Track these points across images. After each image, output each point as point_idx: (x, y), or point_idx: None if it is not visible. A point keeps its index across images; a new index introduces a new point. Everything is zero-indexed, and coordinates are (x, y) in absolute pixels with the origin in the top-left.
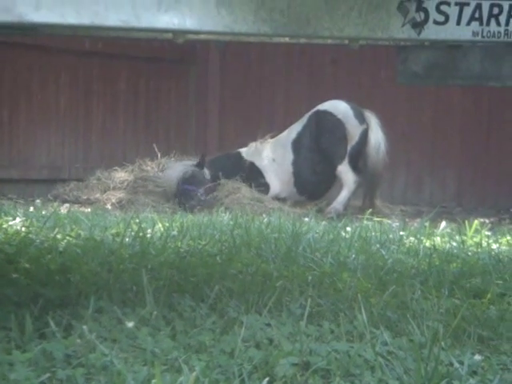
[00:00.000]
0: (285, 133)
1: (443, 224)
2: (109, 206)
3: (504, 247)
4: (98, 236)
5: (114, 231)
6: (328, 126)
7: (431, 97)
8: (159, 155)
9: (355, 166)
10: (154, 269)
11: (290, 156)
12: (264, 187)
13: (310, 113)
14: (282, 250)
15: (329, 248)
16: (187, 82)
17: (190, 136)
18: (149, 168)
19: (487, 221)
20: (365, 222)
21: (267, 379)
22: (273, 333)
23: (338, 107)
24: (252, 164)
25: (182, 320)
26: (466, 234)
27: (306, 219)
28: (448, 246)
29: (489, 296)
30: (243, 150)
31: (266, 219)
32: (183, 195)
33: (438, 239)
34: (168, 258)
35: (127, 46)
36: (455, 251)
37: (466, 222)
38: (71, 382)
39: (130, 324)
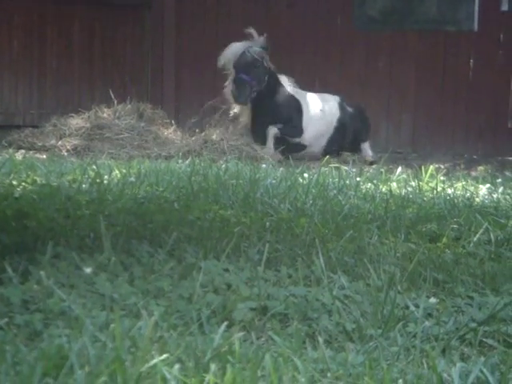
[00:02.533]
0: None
1: (399, 169)
2: (64, 153)
3: (459, 192)
4: (55, 182)
5: (70, 177)
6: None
7: (387, 42)
8: (115, 102)
9: None
10: (112, 215)
11: (337, 113)
12: (296, 131)
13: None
14: (239, 197)
15: (286, 194)
16: (143, 27)
17: (145, 82)
18: (105, 115)
19: (442, 166)
20: (322, 168)
21: (226, 323)
22: (231, 278)
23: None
24: (296, 100)
25: (140, 266)
26: (421, 180)
27: (264, 166)
28: (404, 191)
29: (444, 240)
30: (286, 82)
31: (223, 165)
32: (236, 84)
33: (394, 185)
34: (125, 204)
35: None
36: (411, 196)
37: (422, 167)
38: (29, 327)
39: (88, 270)
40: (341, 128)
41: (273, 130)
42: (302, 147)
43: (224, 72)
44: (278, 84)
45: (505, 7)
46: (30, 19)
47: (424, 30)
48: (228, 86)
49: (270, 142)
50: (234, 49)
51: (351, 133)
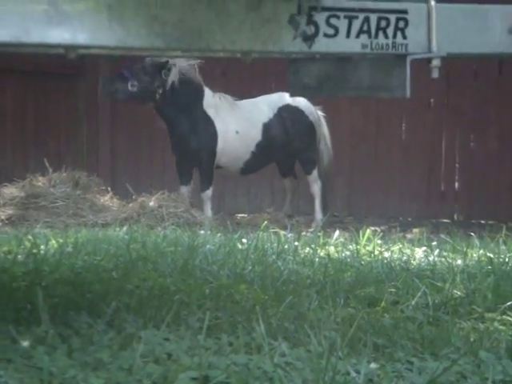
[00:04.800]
0: (251, 109)
1: (336, 233)
2: None
3: (396, 255)
4: None
5: (5, 248)
6: (303, 128)
7: (320, 108)
8: (50, 170)
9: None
10: (49, 286)
11: (257, 137)
12: (210, 140)
13: (277, 103)
14: (178, 264)
15: (225, 260)
16: (77, 95)
17: (81, 150)
18: (40, 184)
19: (378, 229)
20: (260, 233)
21: None
22: (171, 347)
23: (308, 106)
24: (210, 121)
25: (79, 337)
26: (358, 243)
27: (202, 232)
28: (342, 255)
29: (383, 304)
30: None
31: (162, 232)
32: (115, 77)
33: (332, 248)
34: (63, 274)
35: (14, 59)
36: (349, 260)
37: (359, 230)
38: None
39: (25, 343)
40: (262, 153)
41: (207, 195)
42: (219, 168)
43: None
44: (196, 99)
45: (435, 75)
46: None
47: (357, 97)
48: None
49: (208, 208)
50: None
51: (286, 157)
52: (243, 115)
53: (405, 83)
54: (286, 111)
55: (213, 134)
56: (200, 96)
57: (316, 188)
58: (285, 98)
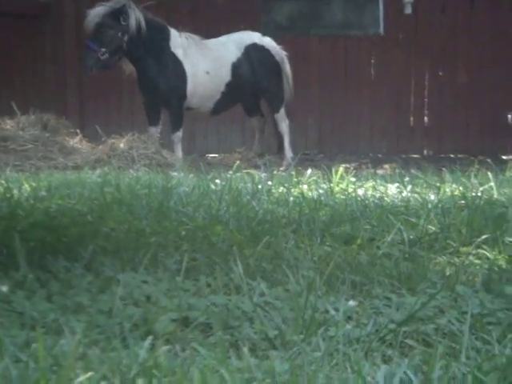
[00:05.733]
0: (219, 49)
1: (309, 171)
2: None
3: (369, 192)
4: None
5: None
6: (270, 67)
7: (290, 46)
8: (18, 113)
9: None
10: (25, 230)
11: (227, 77)
12: (179, 81)
13: (244, 42)
14: (153, 206)
15: (200, 202)
16: (43, 38)
17: (48, 93)
18: (8, 127)
19: (349, 166)
20: (233, 173)
21: (151, 337)
22: (150, 290)
23: (273, 45)
24: (178, 62)
25: (58, 281)
26: (331, 181)
27: (175, 173)
28: (316, 193)
29: (359, 242)
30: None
31: (134, 174)
32: (84, 52)
33: (305, 187)
34: (38, 218)
35: None
36: (323, 198)
37: (331, 168)
38: None
39: (4, 288)
40: (232, 93)
41: (177, 136)
42: (189, 109)
43: None
44: (163, 41)
45: (408, 11)
46: None
47: (330, 35)
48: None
49: (178, 149)
50: (90, 14)
51: (252, 96)
52: (212, 55)
53: (378, 20)
54: (252, 50)
55: (182, 76)
56: (166, 37)
57: (284, 126)
58: (251, 36)
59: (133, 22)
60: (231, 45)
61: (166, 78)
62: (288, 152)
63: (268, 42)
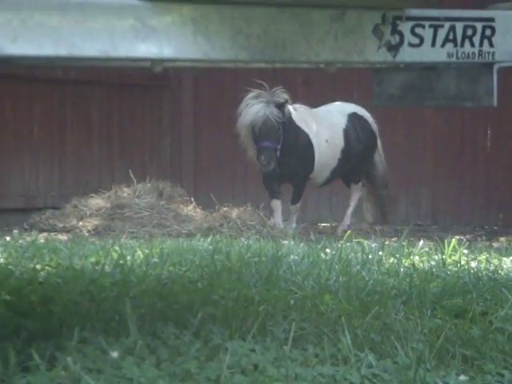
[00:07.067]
0: (328, 116)
1: (421, 242)
2: (86, 234)
3: (482, 265)
4: (78, 265)
5: (93, 259)
6: (369, 136)
7: (404, 116)
8: (135, 181)
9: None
10: (136, 297)
11: (340, 142)
12: (310, 166)
13: (346, 111)
14: (263, 274)
15: (309, 271)
16: (161, 107)
17: (164, 161)
18: (125, 194)
19: (463, 238)
20: (344, 243)
21: None
22: (258, 358)
23: (369, 115)
24: (305, 135)
25: (167, 348)
26: (444, 253)
27: (285, 242)
28: (427, 265)
29: (470, 315)
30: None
31: (245, 242)
32: (262, 153)
33: (416, 258)
34: (149, 285)
35: (100, 72)
36: (435, 270)
37: (444, 240)
38: None
39: (115, 354)
40: (345, 159)
41: (297, 207)
42: (308, 179)
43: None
44: (293, 125)
45: None
46: (49, 103)
47: (443, 106)
48: (251, 152)
49: (294, 219)
50: (254, 113)
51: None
52: (326, 122)
53: (492, 91)
54: (355, 119)
55: (310, 148)
56: (287, 111)
57: (357, 197)
58: (351, 106)
59: (287, 115)
60: (336, 113)
61: (296, 153)
62: (348, 219)
63: (365, 112)
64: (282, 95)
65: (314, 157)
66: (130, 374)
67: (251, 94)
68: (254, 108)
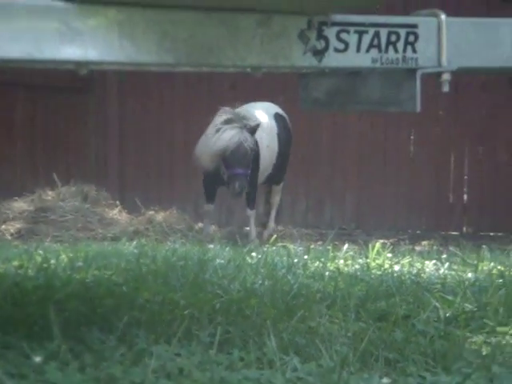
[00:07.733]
0: (263, 119)
1: (346, 246)
2: (8, 237)
3: (406, 269)
4: (0, 268)
5: (16, 263)
6: (289, 137)
7: (328, 121)
8: (59, 185)
9: None
10: (60, 301)
11: (275, 147)
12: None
13: (271, 111)
14: (188, 278)
15: (235, 274)
16: (86, 110)
17: (90, 165)
18: (49, 198)
19: (387, 242)
20: (270, 247)
21: None
22: (183, 362)
23: (285, 113)
24: (255, 142)
25: (91, 353)
26: (368, 257)
27: (211, 246)
28: (352, 268)
29: (394, 318)
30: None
31: (171, 246)
32: (234, 180)
33: (341, 262)
34: (74, 289)
35: (23, 73)
36: (359, 274)
37: (368, 244)
38: None
39: (38, 359)
40: (277, 164)
41: (254, 213)
42: None
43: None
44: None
45: (446, 89)
46: None
47: (367, 111)
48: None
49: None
50: (228, 139)
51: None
52: (265, 128)
53: (415, 97)
54: (279, 120)
55: (257, 154)
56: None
57: (278, 198)
58: (273, 106)
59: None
60: (264, 114)
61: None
62: (273, 222)
63: (281, 110)
64: (253, 118)
65: (258, 163)
66: (54, 378)
67: (223, 118)
68: (227, 134)
